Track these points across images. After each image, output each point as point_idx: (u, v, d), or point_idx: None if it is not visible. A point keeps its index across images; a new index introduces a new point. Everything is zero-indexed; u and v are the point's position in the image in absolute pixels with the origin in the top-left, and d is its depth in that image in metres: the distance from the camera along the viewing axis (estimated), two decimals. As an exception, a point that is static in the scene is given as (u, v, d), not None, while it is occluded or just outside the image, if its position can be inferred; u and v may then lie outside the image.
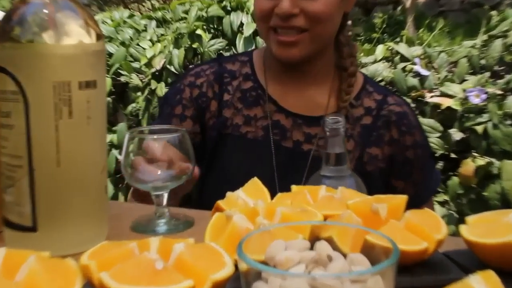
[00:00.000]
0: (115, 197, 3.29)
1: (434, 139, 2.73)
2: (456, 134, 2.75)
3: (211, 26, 3.48)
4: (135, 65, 3.48)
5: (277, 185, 1.43)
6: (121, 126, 3.37)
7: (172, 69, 3.26)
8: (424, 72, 2.93)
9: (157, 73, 3.36)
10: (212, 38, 3.38)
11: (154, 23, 3.76)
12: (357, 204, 0.84)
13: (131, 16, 3.93)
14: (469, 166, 2.67)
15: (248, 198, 0.95)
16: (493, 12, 3.63)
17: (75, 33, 0.86)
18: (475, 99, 2.73)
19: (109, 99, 3.47)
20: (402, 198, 0.85)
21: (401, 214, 0.83)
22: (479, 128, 2.70)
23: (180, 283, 0.63)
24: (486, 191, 2.63)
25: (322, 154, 1.15)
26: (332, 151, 1.12)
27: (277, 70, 1.51)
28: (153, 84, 3.31)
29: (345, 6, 1.46)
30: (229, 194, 0.96)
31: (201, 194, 1.50)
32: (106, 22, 3.85)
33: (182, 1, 3.76)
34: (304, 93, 1.50)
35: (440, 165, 2.76)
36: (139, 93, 3.44)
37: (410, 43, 3.29)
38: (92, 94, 0.87)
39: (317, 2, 1.38)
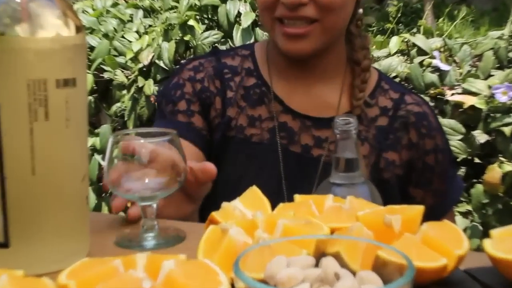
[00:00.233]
0: (97, 208, 3.29)
1: (455, 142, 2.73)
2: (480, 137, 2.75)
3: (205, 16, 3.48)
4: (120, 60, 3.48)
5: (285, 195, 1.43)
6: (105, 128, 3.37)
7: (162, 64, 3.26)
8: (444, 67, 2.93)
9: (144, 69, 3.36)
10: (206, 29, 3.38)
11: (141, 12, 3.76)
12: (368, 216, 0.84)
13: (115, 4, 3.93)
14: (495, 172, 2.67)
15: (246, 209, 0.95)
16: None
17: (52, 25, 0.86)
18: (502, 97, 2.73)
19: (90, 98, 3.47)
20: (418, 209, 0.85)
21: (417, 226, 0.83)
22: (507, 130, 2.70)
23: (170, 305, 0.64)
24: (514, 200, 2.63)
25: (332, 159, 1.16)
26: (343, 155, 1.13)
27: (283, 65, 1.51)
28: (140, 81, 3.31)
29: None
30: (225, 204, 0.96)
31: (201, 205, 1.50)
32: (87, 12, 3.85)
33: (172, -12, 3.76)
34: (313, 91, 1.50)
35: (462, 171, 2.75)
36: (124, 92, 3.44)
37: (428, 34, 3.29)
38: (71, 94, 0.87)
39: None
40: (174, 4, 3.61)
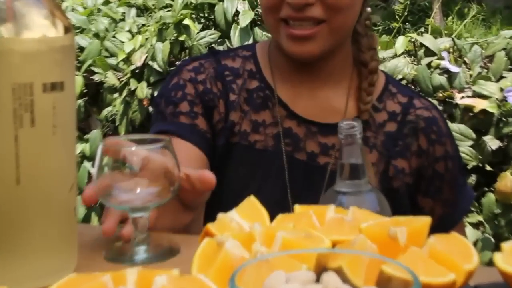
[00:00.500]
0: (86, 219, 3.29)
1: (465, 149, 2.73)
2: (492, 142, 2.75)
3: (201, 15, 3.48)
4: (111, 61, 3.48)
5: (290, 205, 1.43)
6: (95, 134, 3.37)
7: (155, 66, 3.27)
8: (453, 68, 2.94)
9: (137, 71, 3.36)
10: (202, 29, 3.38)
11: (133, 11, 3.76)
12: (371, 228, 0.84)
13: (106, 2, 3.93)
14: (507, 180, 2.67)
15: (243, 221, 0.95)
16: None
17: (38, 25, 0.86)
18: (515, 101, 2.74)
19: (80, 101, 3.47)
20: (425, 221, 0.85)
21: (423, 239, 0.83)
22: (520, 135, 2.70)
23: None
24: (528, 210, 2.63)
25: (337, 166, 1.16)
26: (348, 161, 1.13)
27: (286, 68, 1.51)
28: (133, 84, 3.32)
29: None
30: (220, 216, 0.96)
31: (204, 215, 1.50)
32: (76, 10, 3.85)
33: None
34: (318, 95, 1.51)
35: (472, 179, 2.75)
36: (116, 95, 3.44)
37: (436, 33, 3.30)
38: (59, 98, 0.87)
39: None
40: (168, 2, 3.61)
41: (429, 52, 3.04)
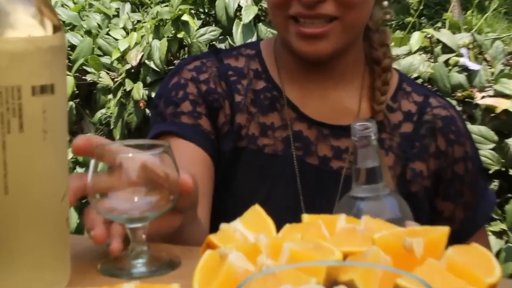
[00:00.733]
0: (79, 230, 3.29)
1: (486, 152, 2.73)
2: (515, 145, 2.76)
3: (201, 10, 3.49)
4: (105, 60, 3.49)
5: (303, 213, 1.43)
6: (87, 138, 3.38)
7: (152, 65, 3.28)
8: (473, 66, 2.94)
9: (132, 71, 3.37)
10: (202, 25, 3.39)
11: (128, 6, 3.78)
12: (385, 239, 0.84)
13: (99, -3, 3.95)
14: (532, 185, 2.67)
15: (247, 231, 0.95)
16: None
17: (25, 24, 0.86)
18: (540, 100, 2.74)
19: (71, 103, 3.48)
20: (443, 231, 0.85)
21: (441, 251, 0.83)
22: (545, 137, 2.70)
23: None
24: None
25: (352, 171, 1.16)
26: (363, 165, 1.13)
27: (295, 67, 1.52)
28: (128, 85, 3.33)
29: None
30: (223, 226, 0.96)
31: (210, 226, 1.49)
32: (67, 6, 3.86)
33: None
34: (330, 95, 1.51)
35: (495, 185, 2.75)
36: (110, 96, 3.45)
37: (455, 28, 3.30)
38: (49, 102, 0.88)
39: None
40: (165, -4, 3.62)
41: (446, 49, 3.05)
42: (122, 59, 3.43)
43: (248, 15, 3.21)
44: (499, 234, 2.76)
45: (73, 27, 3.67)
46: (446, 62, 2.97)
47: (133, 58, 3.35)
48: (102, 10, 3.71)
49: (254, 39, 3.17)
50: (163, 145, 1.02)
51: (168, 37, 3.28)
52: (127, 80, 3.34)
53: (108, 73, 3.47)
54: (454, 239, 1.46)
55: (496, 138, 2.76)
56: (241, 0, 3.30)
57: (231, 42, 3.27)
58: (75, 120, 3.54)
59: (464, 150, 1.51)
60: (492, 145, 2.76)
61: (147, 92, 3.24)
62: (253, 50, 1.58)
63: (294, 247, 0.83)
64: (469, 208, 1.52)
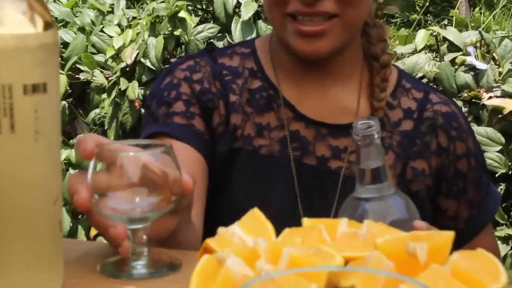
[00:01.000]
0: (72, 234, 3.29)
1: (493, 154, 2.73)
2: (523, 147, 2.76)
3: (199, 6, 3.49)
4: (99, 58, 3.49)
5: (301, 214, 1.44)
6: (81, 138, 3.37)
7: (148, 63, 3.27)
8: (480, 65, 2.94)
9: (127, 69, 3.37)
10: (200, 22, 3.39)
11: (123, 2, 3.77)
12: (388, 244, 0.85)
13: (92, -7, 3.95)
14: (540, 189, 2.67)
15: (246, 235, 0.95)
16: None
17: (16, 21, 0.86)
18: (549, 101, 2.74)
19: (64, 103, 3.48)
20: (448, 236, 0.85)
21: (446, 256, 0.84)
22: (554, 139, 2.71)
23: None
24: None
25: (355, 171, 1.16)
26: (367, 166, 1.14)
27: (291, 66, 1.52)
28: (123, 84, 3.32)
29: None
30: (221, 230, 0.96)
31: (204, 229, 1.49)
32: (59, 1, 3.86)
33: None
34: (327, 93, 1.52)
35: (501, 188, 2.76)
36: (104, 95, 3.45)
37: (462, 26, 3.30)
38: (41, 101, 0.88)
39: None
40: (162, -8, 3.62)
41: (453, 47, 3.05)
42: (116, 57, 3.42)
43: (247, 12, 3.21)
44: (505, 239, 2.76)
45: (65, 24, 3.66)
46: (453, 61, 2.97)
47: (128, 56, 3.34)
48: (96, 6, 3.71)
49: (253, 36, 3.17)
50: (165, 145, 1.02)
51: (164, 34, 3.27)
52: (122, 79, 3.34)
53: (102, 72, 3.47)
54: (461, 238, 1.47)
55: (503, 140, 2.76)
56: (240, -4, 3.31)
57: (229, 40, 3.27)
58: (68, 120, 3.54)
59: (466, 146, 1.53)
60: (498, 147, 2.76)
61: (142, 91, 3.24)
62: (248, 49, 1.58)
63: (294, 252, 0.83)
64: (474, 206, 1.54)
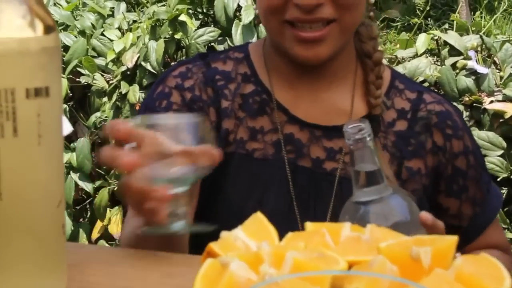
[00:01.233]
0: (74, 237, 3.29)
1: (495, 159, 2.74)
2: (524, 152, 2.76)
3: (199, 10, 3.49)
4: (99, 61, 3.49)
5: (297, 217, 1.44)
6: (82, 142, 3.38)
7: (148, 67, 3.28)
8: (481, 69, 2.94)
9: (128, 73, 3.37)
10: (201, 26, 3.39)
11: (123, 5, 3.78)
12: (391, 248, 0.85)
13: (93, -4, 3.95)
14: (542, 193, 2.67)
15: (249, 240, 0.95)
16: None
17: (17, 25, 0.86)
18: (550, 105, 2.74)
19: (65, 106, 3.48)
20: (451, 240, 0.86)
21: (449, 260, 0.84)
22: (555, 144, 2.71)
23: None
24: None
25: (351, 174, 1.16)
26: (362, 168, 1.13)
27: (285, 70, 1.53)
28: (124, 87, 3.33)
29: None
30: (224, 234, 0.96)
31: (198, 235, 1.50)
32: (60, 5, 3.86)
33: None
34: (321, 95, 1.52)
35: (502, 191, 2.76)
36: (105, 99, 3.45)
37: (462, 30, 3.31)
38: (44, 105, 0.88)
39: None
40: (162, -4, 3.62)
41: (454, 51, 3.05)
42: (117, 60, 3.43)
43: (248, 16, 3.21)
44: (508, 244, 2.76)
45: (66, 27, 3.66)
46: (454, 65, 2.98)
47: (129, 60, 3.35)
48: (96, 9, 3.71)
49: (254, 40, 3.17)
50: (199, 117, 1.13)
51: (165, 38, 3.28)
52: (122, 83, 3.34)
53: (102, 75, 3.47)
54: (467, 236, 1.46)
55: (504, 144, 2.76)
56: (240, 0, 3.31)
57: (230, 44, 3.27)
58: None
59: (463, 144, 1.53)
60: (500, 152, 2.76)
61: (143, 95, 3.24)
62: (241, 54, 1.59)
63: (298, 256, 0.83)
64: (477, 204, 1.55)
